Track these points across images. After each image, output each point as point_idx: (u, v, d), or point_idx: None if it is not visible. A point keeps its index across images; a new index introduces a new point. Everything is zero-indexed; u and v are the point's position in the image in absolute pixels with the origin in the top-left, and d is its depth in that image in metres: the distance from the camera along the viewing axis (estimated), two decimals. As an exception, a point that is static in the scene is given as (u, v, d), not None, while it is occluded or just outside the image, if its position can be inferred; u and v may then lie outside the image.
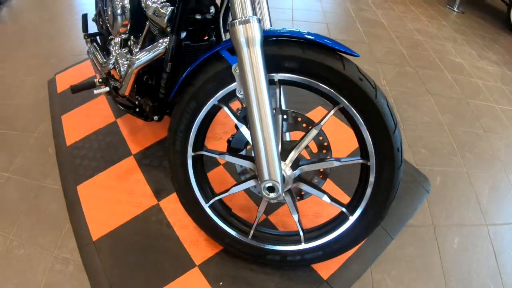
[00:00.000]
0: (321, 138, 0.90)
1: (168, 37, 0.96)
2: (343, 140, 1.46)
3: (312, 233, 0.94)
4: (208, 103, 0.82)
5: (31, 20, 3.58)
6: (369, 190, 0.81)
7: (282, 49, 0.73)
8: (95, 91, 1.21)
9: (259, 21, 0.69)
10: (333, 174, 1.33)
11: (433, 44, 2.24)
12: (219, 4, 1.01)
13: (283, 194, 0.88)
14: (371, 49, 2.14)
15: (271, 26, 0.97)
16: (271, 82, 0.78)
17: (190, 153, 0.92)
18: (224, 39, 1.08)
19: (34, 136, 1.68)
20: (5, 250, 1.20)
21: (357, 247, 1.08)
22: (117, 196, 1.31)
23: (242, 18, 0.67)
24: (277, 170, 0.74)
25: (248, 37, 0.67)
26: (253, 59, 0.68)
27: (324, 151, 0.91)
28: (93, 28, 1.64)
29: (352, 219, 0.86)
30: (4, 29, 3.83)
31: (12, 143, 1.67)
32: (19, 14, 4.00)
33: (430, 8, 2.83)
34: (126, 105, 1.30)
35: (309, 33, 0.73)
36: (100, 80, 1.26)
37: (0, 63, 2.79)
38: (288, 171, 0.82)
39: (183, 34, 1.01)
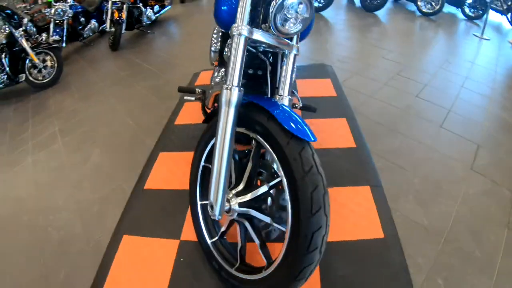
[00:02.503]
0: (283, 198, 1.10)
1: None
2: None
3: (244, 266, 1.16)
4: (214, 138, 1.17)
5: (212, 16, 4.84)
6: (278, 258, 0.98)
7: (255, 114, 1.00)
8: (185, 97, 1.78)
9: (240, 90, 0.98)
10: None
11: None
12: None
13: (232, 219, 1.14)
14: (477, 156, 1.90)
15: (288, 95, 1.18)
16: (247, 137, 1.07)
17: (202, 162, 1.31)
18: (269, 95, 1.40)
19: (162, 108, 2.50)
20: (97, 165, 1.99)
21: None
22: (176, 171, 1.85)
23: (229, 85, 0.98)
24: (219, 198, 1.01)
25: (227, 100, 0.97)
26: (225, 116, 0.98)
27: (281, 209, 1.11)
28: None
29: (264, 273, 1.03)
30: (197, 15, 5.22)
31: (149, 105, 2.53)
32: (209, 7, 5.42)
33: None
34: (207, 115, 1.81)
35: (277, 108, 0.96)
36: (199, 90, 1.82)
37: (182, 44, 3.96)
38: (234, 205, 1.08)
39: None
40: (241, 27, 0.97)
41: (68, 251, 1.52)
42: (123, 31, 4.56)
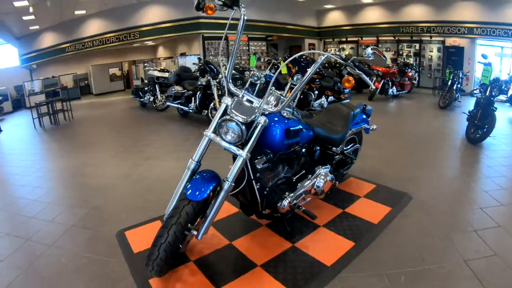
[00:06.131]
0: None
1: None
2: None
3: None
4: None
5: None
6: None
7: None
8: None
9: (197, 164, 1.87)
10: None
11: None
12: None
13: None
14: None
15: (231, 182, 1.87)
16: None
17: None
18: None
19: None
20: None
21: None
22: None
23: (192, 159, 1.89)
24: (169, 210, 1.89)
25: (188, 166, 1.92)
26: (185, 174, 1.90)
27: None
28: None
29: None
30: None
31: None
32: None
33: None
34: None
35: (197, 179, 1.80)
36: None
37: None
38: None
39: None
40: (208, 131, 1.90)
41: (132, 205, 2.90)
42: (290, 108, 6.00)
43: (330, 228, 2.58)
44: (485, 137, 4.78)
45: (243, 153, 1.84)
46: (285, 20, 13.77)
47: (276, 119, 2.04)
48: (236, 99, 1.91)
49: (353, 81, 1.71)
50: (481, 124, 4.81)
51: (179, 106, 6.72)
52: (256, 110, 1.84)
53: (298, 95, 5.86)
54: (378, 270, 2.14)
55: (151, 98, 8.51)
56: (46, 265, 2.24)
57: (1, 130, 7.68)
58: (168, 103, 7.18)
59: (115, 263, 2.21)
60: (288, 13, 13.73)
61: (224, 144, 1.88)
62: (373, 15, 12.83)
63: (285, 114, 2.09)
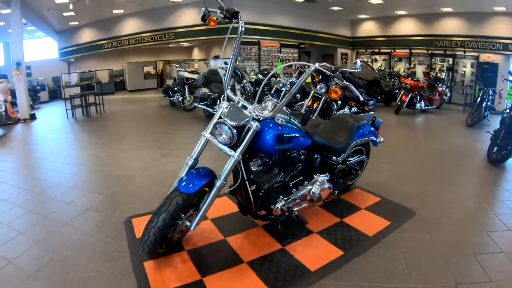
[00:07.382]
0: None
1: None
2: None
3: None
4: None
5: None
6: None
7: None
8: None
9: (195, 160, 2.08)
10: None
11: None
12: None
13: None
14: None
15: (224, 180, 2.08)
16: None
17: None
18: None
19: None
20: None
21: None
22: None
23: (190, 156, 2.10)
24: None
25: (186, 162, 2.13)
26: (183, 168, 2.12)
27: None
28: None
29: None
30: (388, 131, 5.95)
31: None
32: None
33: None
34: None
35: (193, 173, 2.00)
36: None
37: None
38: None
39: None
40: (205, 132, 2.12)
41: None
42: (312, 117, 5.93)
43: (323, 236, 2.68)
44: (507, 158, 4.63)
45: (235, 154, 2.03)
46: (318, 28, 13.85)
47: (271, 125, 2.21)
48: (232, 104, 2.09)
49: (340, 92, 1.83)
50: (503, 144, 4.66)
51: (205, 107, 7.04)
52: (249, 115, 2.01)
53: (321, 104, 5.92)
54: (360, 281, 2.19)
55: (180, 98, 8.96)
56: (58, 239, 2.57)
57: (36, 118, 8.37)
58: (195, 104, 7.52)
59: (118, 244, 2.47)
60: (321, 21, 13.79)
61: (218, 144, 2.08)
62: (407, 27, 12.63)
63: (279, 122, 2.24)
